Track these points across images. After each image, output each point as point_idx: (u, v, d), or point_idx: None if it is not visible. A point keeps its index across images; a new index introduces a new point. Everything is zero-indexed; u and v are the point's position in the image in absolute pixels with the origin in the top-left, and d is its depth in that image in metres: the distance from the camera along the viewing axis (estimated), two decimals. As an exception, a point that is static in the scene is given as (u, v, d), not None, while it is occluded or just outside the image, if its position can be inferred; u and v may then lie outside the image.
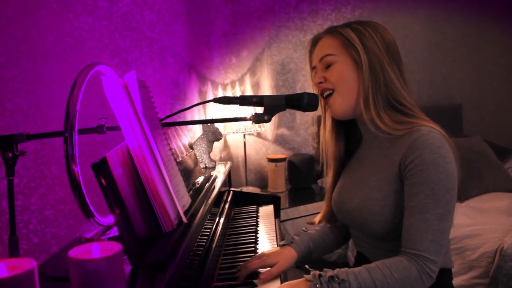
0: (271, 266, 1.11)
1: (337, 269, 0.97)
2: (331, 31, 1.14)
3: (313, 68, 1.20)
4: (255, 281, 1.07)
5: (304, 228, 1.32)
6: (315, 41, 1.20)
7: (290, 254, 1.16)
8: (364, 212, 1.10)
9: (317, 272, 0.95)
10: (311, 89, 1.22)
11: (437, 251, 0.97)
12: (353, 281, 0.94)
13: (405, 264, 0.96)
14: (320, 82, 1.15)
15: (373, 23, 1.13)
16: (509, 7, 3.68)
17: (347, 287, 0.93)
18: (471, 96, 3.69)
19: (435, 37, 3.50)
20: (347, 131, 1.27)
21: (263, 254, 1.14)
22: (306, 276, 0.96)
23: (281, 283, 1.06)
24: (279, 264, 1.11)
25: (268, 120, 1.08)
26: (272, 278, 1.07)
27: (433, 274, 0.97)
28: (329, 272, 0.95)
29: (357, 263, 1.29)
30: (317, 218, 1.37)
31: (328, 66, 1.13)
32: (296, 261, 1.18)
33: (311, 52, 1.21)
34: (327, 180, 1.32)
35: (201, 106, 2.58)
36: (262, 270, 1.11)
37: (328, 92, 1.14)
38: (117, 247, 0.62)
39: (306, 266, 2.19)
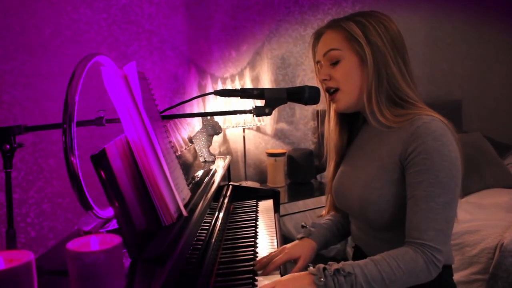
0: (296, 258, 1.14)
1: (342, 262, 0.95)
2: (334, 25, 1.13)
3: (317, 62, 1.19)
4: (259, 273, 1.09)
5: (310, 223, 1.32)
6: (317, 35, 1.18)
7: (311, 246, 1.19)
8: (362, 200, 1.09)
9: (322, 266, 0.93)
10: (310, 83, 1.22)
11: (443, 240, 0.96)
12: (359, 273, 0.92)
13: (411, 254, 0.95)
14: (325, 79, 1.14)
15: (376, 13, 1.11)
16: (509, 3, 3.67)
17: (353, 280, 0.91)
18: (471, 92, 3.68)
19: (435, 32, 3.48)
20: (351, 122, 1.26)
21: (285, 248, 1.16)
22: (310, 269, 0.95)
23: (281, 275, 1.06)
24: (303, 258, 1.14)
25: (269, 113, 1.07)
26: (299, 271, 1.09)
27: (439, 264, 0.95)
28: (334, 265, 0.93)
29: (355, 257, 1.29)
30: (325, 211, 1.37)
31: (333, 63, 1.12)
32: (316, 251, 1.20)
33: (314, 46, 1.20)
34: (328, 172, 1.31)
35: (200, 100, 2.57)
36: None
37: (333, 90, 1.14)
38: (116, 239, 0.61)
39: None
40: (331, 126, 1.26)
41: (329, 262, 0.95)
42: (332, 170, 1.29)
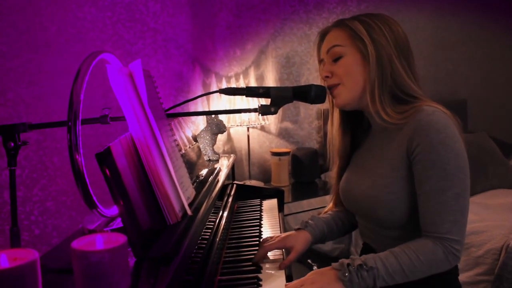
0: (288, 248, 1.15)
1: (364, 256, 0.97)
2: (339, 24, 1.14)
3: (321, 61, 1.19)
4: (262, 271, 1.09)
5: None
6: (323, 35, 1.19)
7: (306, 238, 1.18)
8: (371, 198, 1.09)
9: (345, 261, 0.96)
10: (315, 82, 1.21)
11: (459, 231, 0.97)
12: (381, 267, 0.95)
13: (431, 246, 0.97)
14: (327, 76, 1.14)
15: (383, 15, 1.11)
16: (516, 2, 3.64)
17: (375, 274, 0.94)
18: (476, 91, 3.66)
19: (440, 32, 3.46)
20: (354, 124, 1.26)
21: (279, 236, 1.17)
22: (334, 265, 0.97)
23: (286, 275, 1.07)
24: (295, 249, 1.14)
25: (275, 112, 1.07)
26: (290, 263, 1.11)
27: (458, 254, 0.98)
28: (357, 261, 0.95)
29: (363, 254, 1.28)
30: (325, 211, 1.36)
31: (335, 59, 1.11)
32: (311, 244, 1.20)
33: (319, 47, 1.20)
34: (333, 174, 1.32)
35: (205, 99, 2.56)
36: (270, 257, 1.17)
37: (334, 86, 1.13)
38: (121, 238, 0.60)
39: (309, 261, 2.17)
40: (334, 130, 1.26)
41: (351, 257, 0.97)
42: (336, 174, 1.30)
